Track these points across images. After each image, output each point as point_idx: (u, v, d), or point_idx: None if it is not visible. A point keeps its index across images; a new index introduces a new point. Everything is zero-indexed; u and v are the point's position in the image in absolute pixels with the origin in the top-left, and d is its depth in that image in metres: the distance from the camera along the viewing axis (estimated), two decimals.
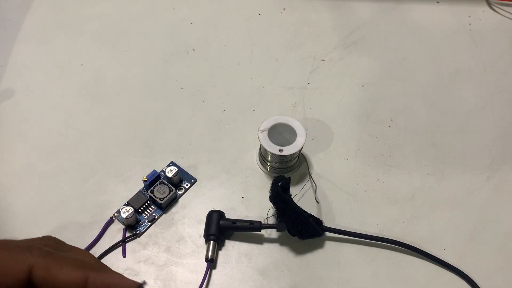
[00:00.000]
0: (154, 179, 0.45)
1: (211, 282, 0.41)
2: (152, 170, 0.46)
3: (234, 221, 0.43)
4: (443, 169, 0.49)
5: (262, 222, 0.43)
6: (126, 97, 0.55)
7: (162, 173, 0.47)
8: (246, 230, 0.43)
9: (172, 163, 0.49)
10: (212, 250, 0.41)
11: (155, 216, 0.45)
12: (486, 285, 0.41)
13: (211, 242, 0.42)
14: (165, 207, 0.45)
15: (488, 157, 0.51)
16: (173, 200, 0.46)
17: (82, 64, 0.58)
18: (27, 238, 0.26)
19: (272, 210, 0.44)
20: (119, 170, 0.48)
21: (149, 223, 0.44)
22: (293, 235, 0.42)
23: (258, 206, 0.46)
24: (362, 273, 0.42)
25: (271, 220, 0.44)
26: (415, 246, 0.43)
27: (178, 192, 0.47)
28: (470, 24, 0.65)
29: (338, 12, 0.66)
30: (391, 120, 0.54)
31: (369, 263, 0.43)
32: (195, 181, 0.47)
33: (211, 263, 0.41)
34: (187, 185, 0.47)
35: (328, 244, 0.44)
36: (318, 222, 0.43)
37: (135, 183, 0.47)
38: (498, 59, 0.61)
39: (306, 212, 0.42)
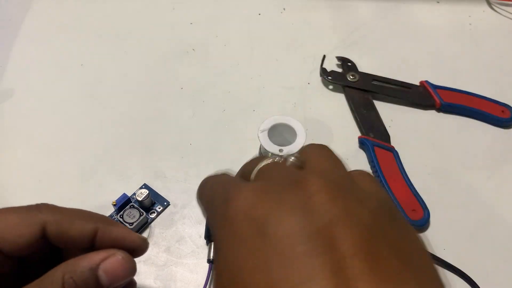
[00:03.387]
0: (124, 203, 0.43)
1: (211, 282, 0.41)
2: (122, 193, 0.44)
3: None
4: (443, 169, 0.49)
5: None
6: (126, 97, 0.55)
7: (133, 197, 0.45)
8: None
9: (145, 186, 0.46)
10: (213, 251, 0.41)
11: None
12: (486, 285, 0.41)
13: (213, 243, 0.42)
14: (135, 232, 0.43)
15: (488, 157, 0.51)
16: (145, 225, 0.44)
17: (82, 64, 0.58)
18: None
19: None
20: (119, 170, 0.48)
21: None
22: None
23: None
24: None
25: None
26: None
27: (150, 216, 0.44)
28: (470, 24, 0.65)
29: (338, 12, 0.66)
30: (391, 120, 0.53)
31: None
32: (168, 204, 0.45)
33: (213, 264, 0.41)
34: (159, 208, 0.45)
35: None
36: None
37: (135, 183, 0.47)
38: (498, 59, 0.61)
39: None
